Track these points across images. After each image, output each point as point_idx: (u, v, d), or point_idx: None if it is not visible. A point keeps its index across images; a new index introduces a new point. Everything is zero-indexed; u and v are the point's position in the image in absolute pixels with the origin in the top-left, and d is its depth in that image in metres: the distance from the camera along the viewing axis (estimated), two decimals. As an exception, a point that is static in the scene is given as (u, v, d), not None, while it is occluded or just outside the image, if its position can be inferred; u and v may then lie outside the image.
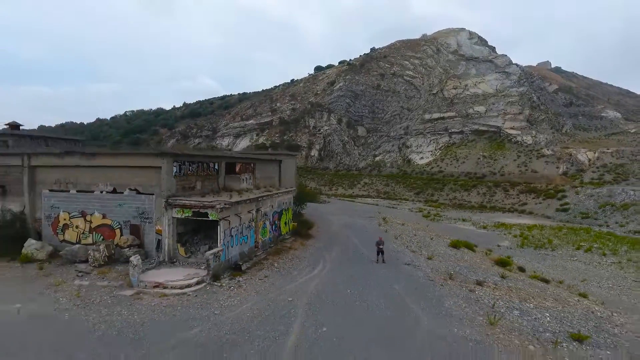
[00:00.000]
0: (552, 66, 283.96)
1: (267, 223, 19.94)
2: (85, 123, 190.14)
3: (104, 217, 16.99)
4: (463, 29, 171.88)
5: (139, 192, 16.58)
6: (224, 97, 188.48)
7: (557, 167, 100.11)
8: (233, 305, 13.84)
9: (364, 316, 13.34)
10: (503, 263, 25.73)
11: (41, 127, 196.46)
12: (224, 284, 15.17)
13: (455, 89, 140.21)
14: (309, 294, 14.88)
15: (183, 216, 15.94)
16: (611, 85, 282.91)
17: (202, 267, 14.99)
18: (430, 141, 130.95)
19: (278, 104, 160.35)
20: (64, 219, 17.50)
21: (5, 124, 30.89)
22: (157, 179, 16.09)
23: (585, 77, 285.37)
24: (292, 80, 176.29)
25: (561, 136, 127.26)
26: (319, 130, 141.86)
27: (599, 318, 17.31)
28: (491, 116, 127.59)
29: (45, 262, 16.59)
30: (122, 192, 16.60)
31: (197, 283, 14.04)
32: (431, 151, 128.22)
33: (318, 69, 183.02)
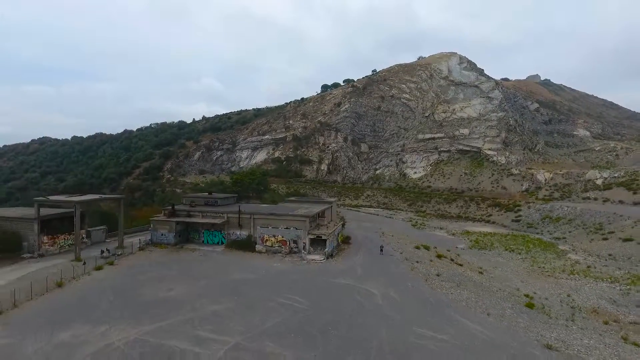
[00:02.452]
0: (542, 79, 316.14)
1: (335, 238, 49.90)
2: (114, 134, 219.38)
3: (282, 237, 46.41)
4: (454, 54, 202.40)
5: (296, 229, 46.18)
6: (240, 112, 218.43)
7: (521, 185, 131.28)
8: (337, 266, 43.66)
9: (378, 269, 43.55)
10: (439, 256, 56.07)
11: (74, 137, 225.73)
12: (330, 261, 45.14)
13: (444, 112, 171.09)
14: (359, 263, 45.03)
15: (313, 237, 45.75)
16: (596, 97, 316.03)
17: (322, 255, 45.04)
18: (423, 158, 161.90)
19: (291, 122, 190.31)
20: (266, 238, 46.91)
21: (208, 193, 60.23)
22: (303, 224, 45.67)
23: (573, 90, 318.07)
24: (303, 99, 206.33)
25: (532, 155, 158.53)
26: (328, 146, 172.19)
27: (462, 274, 48.15)
28: (473, 138, 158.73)
29: (265, 253, 46.16)
30: (289, 229, 46.19)
31: (324, 259, 43.89)
32: (423, 167, 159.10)
33: (325, 87, 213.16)
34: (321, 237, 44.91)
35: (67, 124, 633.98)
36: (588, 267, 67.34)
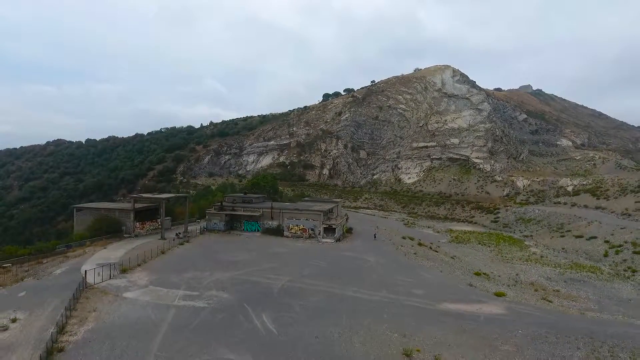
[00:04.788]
0: (534, 89, 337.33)
1: (341, 228, 68.49)
2: (125, 137, 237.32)
3: (303, 226, 64.68)
4: (448, 67, 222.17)
5: (313, 220, 64.48)
6: (246, 119, 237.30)
7: (503, 190, 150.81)
8: (343, 246, 62.00)
9: (372, 248, 62.17)
10: (420, 244, 74.99)
11: (88, 140, 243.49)
12: (338, 243, 63.57)
13: (437, 123, 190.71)
14: (359, 244, 63.50)
15: (326, 226, 64.05)
16: (586, 107, 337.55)
17: (332, 239, 63.40)
18: (417, 165, 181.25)
19: (294, 129, 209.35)
20: (291, 227, 65.04)
21: (244, 194, 78.98)
22: (319, 217, 63.99)
23: (564, 100, 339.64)
24: (305, 107, 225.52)
25: (516, 163, 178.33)
26: (329, 153, 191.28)
27: (435, 256, 67.30)
28: (463, 147, 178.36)
29: (290, 237, 64.39)
30: (309, 220, 64.45)
31: (334, 241, 62.10)
32: (417, 173, 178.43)
33: (326, 96, 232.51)
34: (332, 226, 63.69)
35: (68, 124, 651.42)
36: (541, 257, 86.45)
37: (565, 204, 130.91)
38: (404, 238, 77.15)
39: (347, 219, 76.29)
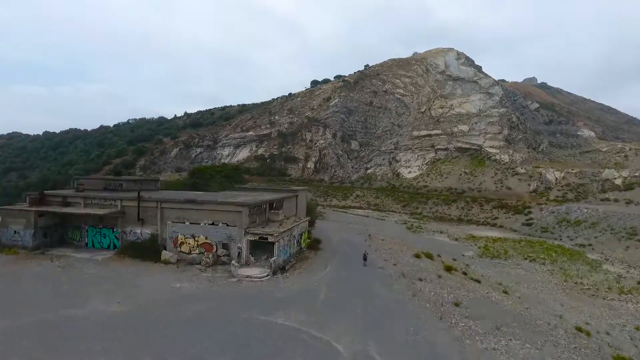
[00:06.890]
0: (539, 82, 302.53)
1: (295, 241, 32.33)
2: (89, 129, 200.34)
3: (206, 238, 28.66)
4: (451, 49, 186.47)
5: (227, 225, 28.51)
6: (224, 108, 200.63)
7: (529, 185, 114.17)
8: (286, 287, 25.95)
9: (355, 292, 25.85)
10: (449, 268, 38.58)
11: (46, 133, 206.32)
12: (279, 277, 27.29)
13: (441, 108, 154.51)
14: (325, 281, 27.19)
15: (253, 239, 28.20)
16: (593, 102, 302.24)
17: (266, 267, 27.25)
18: (418, 156, 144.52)
19: (277, 117, 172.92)
20: (181, 239, 29.28)
21: (113, 173, 42.68)
22: (238, 218, 28.11)
23: (570, 94, 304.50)
24: (290, 94, 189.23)
25: (537, 154, 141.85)
26: (315, 143, 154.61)
27: (489, 299, 30.39)
28: (473, 135, 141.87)
29: (176, 264, 28.44)
30: (218, 225, 28.53)
31: (266, 275, 26.12)
32: (418, 166, 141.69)
33: (314, 83, 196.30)
34: (267, 238, 26.87)
35: (62, 125, 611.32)
36: (639, 282, 49.86)
37: (616, 200, 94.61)
38: (417, 257, 40.27)
39: (313, 221, 39.38)
